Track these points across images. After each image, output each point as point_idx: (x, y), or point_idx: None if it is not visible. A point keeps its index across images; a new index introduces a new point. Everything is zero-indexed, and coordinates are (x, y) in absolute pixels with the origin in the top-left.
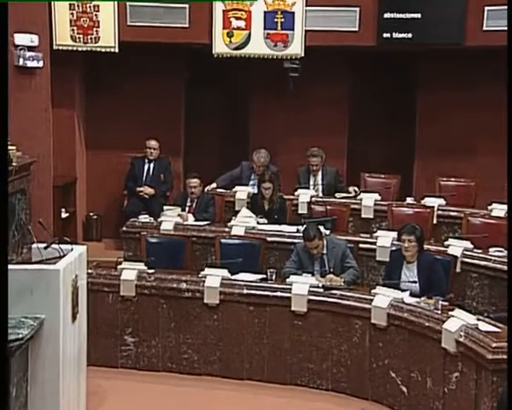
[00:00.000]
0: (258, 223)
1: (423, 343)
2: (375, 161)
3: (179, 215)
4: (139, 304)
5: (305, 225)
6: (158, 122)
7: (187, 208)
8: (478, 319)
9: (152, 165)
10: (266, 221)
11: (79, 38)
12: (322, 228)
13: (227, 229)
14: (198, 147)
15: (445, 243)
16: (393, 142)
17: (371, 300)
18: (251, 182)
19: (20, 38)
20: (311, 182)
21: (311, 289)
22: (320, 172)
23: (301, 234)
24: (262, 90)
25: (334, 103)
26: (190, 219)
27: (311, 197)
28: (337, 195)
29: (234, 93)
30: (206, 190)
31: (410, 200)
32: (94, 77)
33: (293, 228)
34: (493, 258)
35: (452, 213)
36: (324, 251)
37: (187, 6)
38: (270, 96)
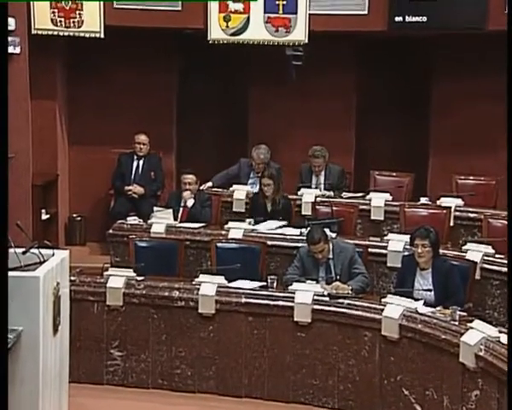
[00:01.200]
0: (250, 224)
1: (439, 358)
2: (385, 158)
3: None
4: (127, 314)
5: (308, 228)
6: (148, 115)
7: (180, 210)
8: (499, 331)
9: (141, 162)
10: (266, 224)
11: (61, 21)
12: (327, 231)
13: (224, 232)
14: (192, 142)
15: (463, 247)
16: (406, 136)
17: (382, 309)
18: (250, 180)
19: None
20: (314, 182)
21: (316, 297)
22: (323, 172)
23: (305, 237)
24: (262, 81)
25: (340, 94)
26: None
27: (316, 197)
28: (344, 194)
29: (231, 83)
30: (201, 189)
31: (424, 200)
32: (77, 65)
33: (297, 230)
34: None
35: (471, 215)
36: (330, 256)
37: None
38: (271, 86)
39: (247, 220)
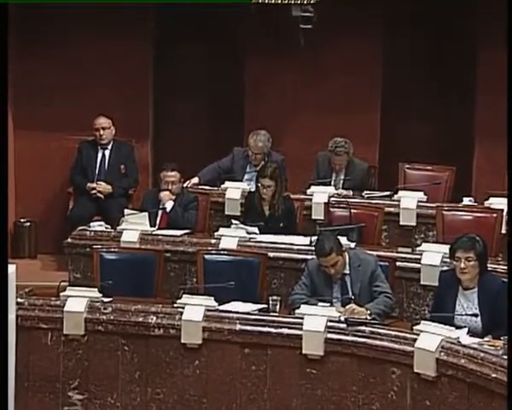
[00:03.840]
0: (248, 232)
1: (488, 402)
2: (418, 148)
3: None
4: (90, 346)
5: (319, 235)
6: (116, 94)
7: (159, 213)
8: None
9: (108, 152)
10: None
11: None
12: (344, 239)
13: (213, 241)
14: (172, 128)
15: None
16: (445, 121)
17: (414, 340)
18: (246, 176)
19: None
20: (333, 178)
21: (330, 324)
22: (344, 169)
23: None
24: (261, 50)
25: (362, 68)
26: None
27: (330, 197)
28: (365, 193)
29: (223, 54)
30: (185, 186)
31: (468, 200)
32: (25, 34)
33: (305, 239)
34: None
35: None
36: (346, 271)
37: None
38: (273, 57)
39: (243, 226)
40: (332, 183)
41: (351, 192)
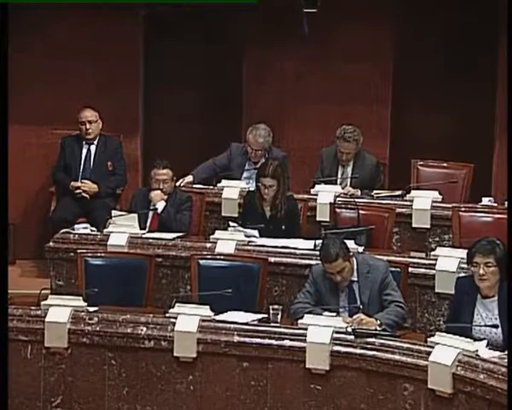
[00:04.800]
0: (246, 235)
1: None
2: (433, 143)
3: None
4: (74, 360)
5: (324, 239)
6: (103, 85)
7: (150, 214)
8: None
9: (93, 148)
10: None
11: None
12: (351, 243)
13: (209, 244)
14: (164, 121)
15: None
16: (462, 113)
17: (428, 353)
18: (245, 173)
19: None
20: (339, 174)
21: (336, 335)
22: (351, 163)
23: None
24: (261, 36)
25: (371, 56)
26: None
27: (336, 197)
28: (375, 192)
29: (219, 41)
30: (178, 185)
31: (487, 201)
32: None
33: (309, 243)
34: None
35: None
36: (354, 277)
37: None
38: (274, 44)
39: (242, 228)
40: (338, 180)
41: (359, 192)
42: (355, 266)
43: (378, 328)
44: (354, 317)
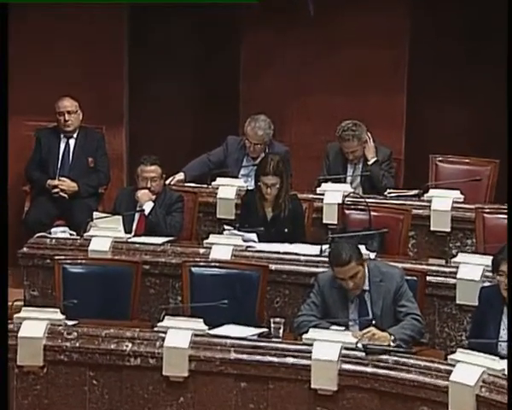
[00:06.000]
0: (244, 240)
1: None
2: (453, 137)
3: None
4: (50, 380)
5: (332, 242)
6: (83, 72)
7: (136, 216)
8: None
9: (73, 141)
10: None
11: None
12: (362, 248)
13: (202, 250)
14: (153, 113)
15: None
16: (486, 104)
17: (448, 372)
18: (242, 170)
19: None
20: (349, 172)
21: (345, 352)
22: (362, 159)
23: (327, 257)
24: (261, 19)
25: (385, 41)
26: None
27: (345, 197)
28: (388, 192)
29: (214, 25)
30: (167, 183)
31: None
32: None
33: (314, 248)
34: None
35: None
36: (366, 286)
37: None
38: (275, 29)
39: (239, 232)
40: (348, 178)
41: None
42: (366, 274)
43: (392, 343)
44: (365, 330)
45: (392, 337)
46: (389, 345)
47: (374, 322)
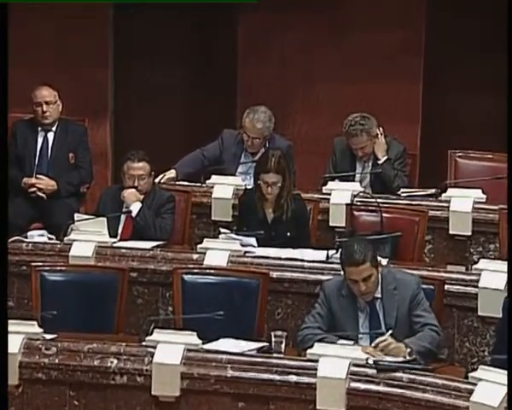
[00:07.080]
0: (242, 244)
1: None
2: (474, 130)
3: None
4: (27, 401)
5: (343, 244)
6: (63, 59)
7: (122, 218)
8: None
9: (51, 135)
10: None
11: None
12: None
13: (196, 256)
14: (140, 104)
15: None
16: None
17: (469, 392)
18: (240, 167)
19: None
20: (358, 169)
21: (354, 368)
22: (372, 156)
23: (338, 260)
24: (259, 2)
25: (399, 24)
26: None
27: (354, 196)
28: (402, 191)
29: (208, 7)
30: (157, 182)
31: None
32: None
33: (320, 254)
34: None
35: None
36: (378, 294)
37: None
38: (275, 9)
39: (236, 236)
40: (357, 176)
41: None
42: (380, 281)
43: (408, 356)
44: (378, 340)
45: (409, 350)
46: (405, 357)
47: (391, 331)
